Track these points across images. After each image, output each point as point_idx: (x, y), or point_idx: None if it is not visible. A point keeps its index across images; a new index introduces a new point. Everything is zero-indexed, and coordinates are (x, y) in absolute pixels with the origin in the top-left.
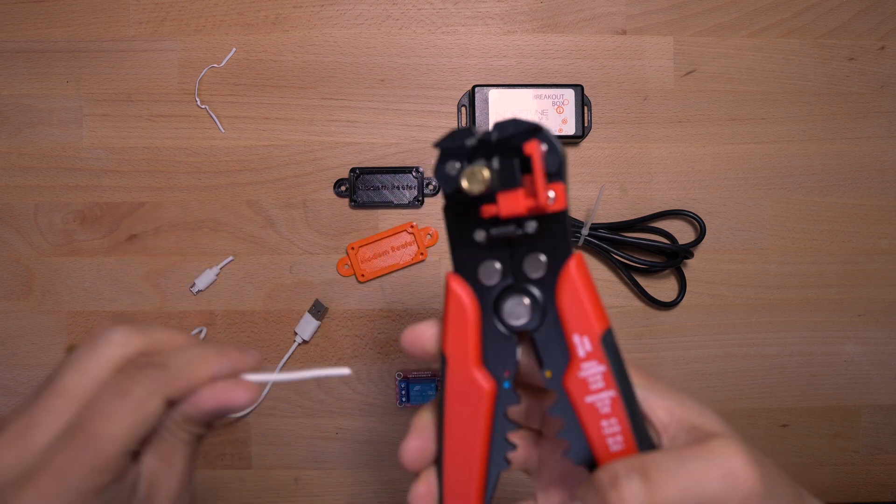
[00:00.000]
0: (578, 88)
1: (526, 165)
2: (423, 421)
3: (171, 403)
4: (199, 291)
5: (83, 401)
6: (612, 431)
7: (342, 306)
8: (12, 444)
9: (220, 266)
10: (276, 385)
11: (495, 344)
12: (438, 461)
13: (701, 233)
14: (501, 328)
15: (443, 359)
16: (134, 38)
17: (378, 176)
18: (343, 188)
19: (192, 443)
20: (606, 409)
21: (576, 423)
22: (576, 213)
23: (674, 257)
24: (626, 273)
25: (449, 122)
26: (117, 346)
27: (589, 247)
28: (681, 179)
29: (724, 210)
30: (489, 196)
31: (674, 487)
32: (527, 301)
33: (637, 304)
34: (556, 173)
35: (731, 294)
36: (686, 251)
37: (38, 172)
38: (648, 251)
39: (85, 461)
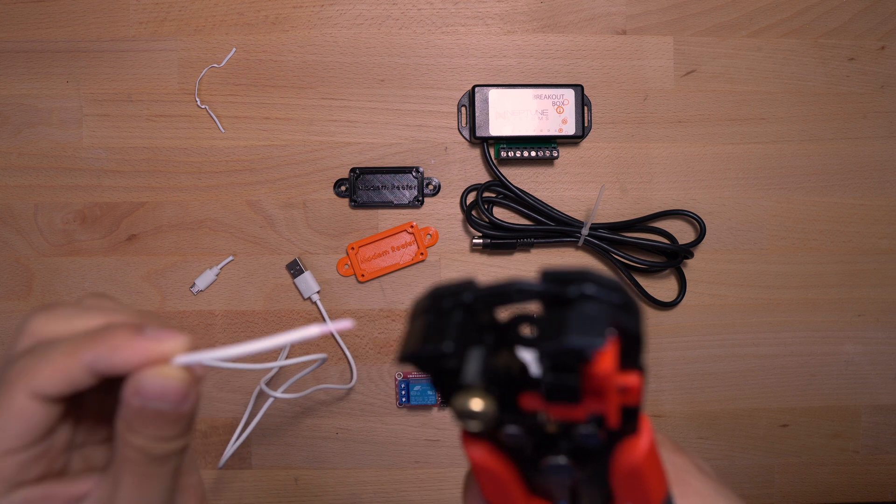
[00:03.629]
0: (578, 88)
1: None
2: None
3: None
4: (199, 291)
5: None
6: None
7: (342, 306)
8: None
9: (220, 266)
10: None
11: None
12: None
13: (701, 233)
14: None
15: None
16: (134, 38)
17: (378, 176)
18: (343, 188)
19: (141, 465)
20: None
21: None
22: (576, 213)
23: (674, 257)
24: (626, 273)
25: (449, 122)
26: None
27: (589, 247)
28: (681, 179)
29: (724, 210)
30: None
31: None
32: (565, 463)
33: None
34: (630, 359)
35: (731, 294)
36: (686, 251)
37: (38, 172)
38: (648, 251)
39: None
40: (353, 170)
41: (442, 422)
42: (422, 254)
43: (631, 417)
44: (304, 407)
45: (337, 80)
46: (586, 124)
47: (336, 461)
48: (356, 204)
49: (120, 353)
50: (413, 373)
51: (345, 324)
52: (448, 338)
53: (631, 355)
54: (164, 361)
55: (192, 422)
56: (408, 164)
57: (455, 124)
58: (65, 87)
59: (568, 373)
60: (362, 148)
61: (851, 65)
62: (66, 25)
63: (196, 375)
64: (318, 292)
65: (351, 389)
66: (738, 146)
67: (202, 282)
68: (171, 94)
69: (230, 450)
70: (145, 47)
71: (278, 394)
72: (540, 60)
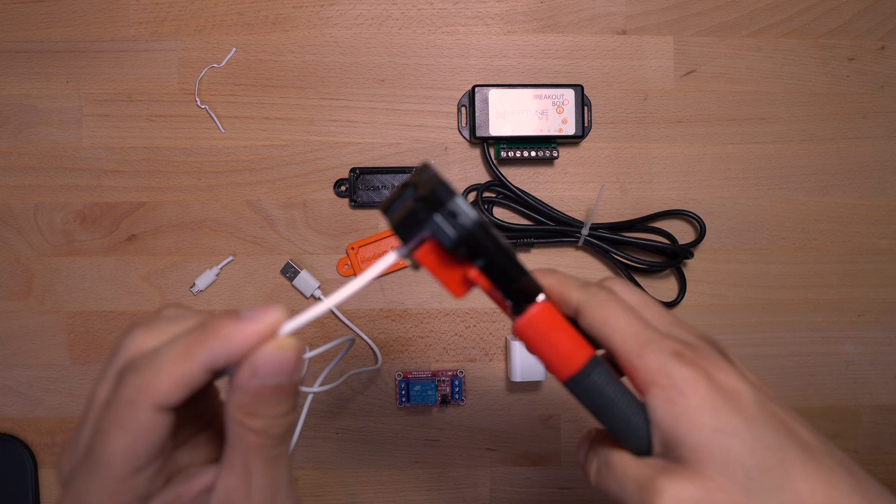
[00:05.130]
0: (578, 88)
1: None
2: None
3: (214, 373)
4: (199, 291)
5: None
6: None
7: (342, 306)
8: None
9: (220, 266)
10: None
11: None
12: None
13: (701, 233)
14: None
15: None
16: (134, 38)
17: (378, 176)
18: (343, 188)
19: (266, 448)
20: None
21: None
22: (576, 213)
23: (674, 257)
24: (627, 273)
25: (449, 122)
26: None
27: (589, 247)
28: (681, 179)
29: (725, 210)
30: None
31: None
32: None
33: None
34: (469, 255)
35: (731, 294)
36: (686, 251)
37: (38, 172)
38: (648, 251)
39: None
40: (353, 170)
41: (442, 422)
42: None
43: (517, 298)
44: (305, 407)
45: (337, 80)
46: (586, 124)
47: (336, 461)
48: (356, 204)
49: (233, 341)
50: (413, 373)
51: (414, 243)
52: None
53: (471, 255)
54: (271, 337)
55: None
56: (408, 164)
57: (455, 124)
58: (65, 87)
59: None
60: (362, 148)
61: (851, 65)
62: (66, 25)
63: (301, 347)
64: (318, 287)
65: (378, 370)
66: (738, 146)
67: (202, 282)
68: (171, 94)
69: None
70: (145, 47)
71: (316, 388)
72: (540, 60)
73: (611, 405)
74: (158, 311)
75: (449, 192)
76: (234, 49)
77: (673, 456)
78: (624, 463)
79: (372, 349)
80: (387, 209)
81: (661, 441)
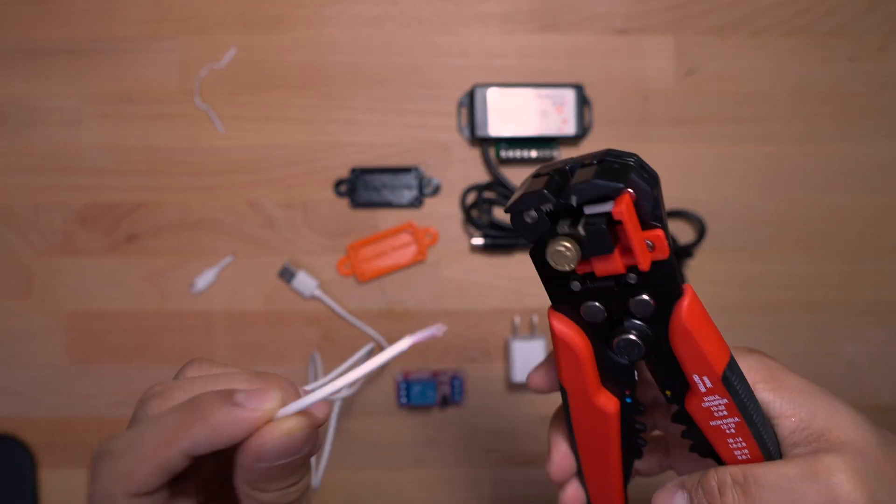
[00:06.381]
0: (578, 88)
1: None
2: (556, 437)
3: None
4: (198, 291)
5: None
6: (737, 447)
7: (342, 306)
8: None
9: (219, 266)
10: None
11: (612, 367)
12: (580, 474)
13: (701, 233)
14: (615, 357)
15: (562, 390)
16: (134, 38)
17: (378, 176)
18: (343, 188)
19: None
20: (731, 431)
21: (701, 436)
22: None
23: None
24: None
25: (449, 122)
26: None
27: None
28: (681, 179)
29: (725, 210)
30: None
31: None
32: (638, 340)
33: None
34: (653, 216)
35: (732, 294)
36: (686, 251)
37: (38, 172)
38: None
39: None
40: (353, 170)
41: (442, 422)
42: (421, 254)
43: (670, 280)
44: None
45: (337, 80)
46: (586, 124)
47: (336, 461)
48: (356, 204)
49: (221, 431)
50: (413, 373)
51: (433, 330)
52: (548, 199)
53: (652, 214)
54: (267, 421)
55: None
56: (408, 164)
57: (455, 124)
58: (65, 87)
59: (597, 224)
60: (362, 148)
61: (852, 65)
62: (66, 25)
63: (314, 417)
64: (318, 287)
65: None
66: (738, 146)
67: (202, 282)
68: (171, 94)
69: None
70: (145, 47)
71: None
72: (540, 60)
73: (754, 399)
74: (180, 371)
75: (627, 152)
76: (234, 49)
77: (808, 439)
78: (775, 469)
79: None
80: (543, 187)
81: (791, 430)
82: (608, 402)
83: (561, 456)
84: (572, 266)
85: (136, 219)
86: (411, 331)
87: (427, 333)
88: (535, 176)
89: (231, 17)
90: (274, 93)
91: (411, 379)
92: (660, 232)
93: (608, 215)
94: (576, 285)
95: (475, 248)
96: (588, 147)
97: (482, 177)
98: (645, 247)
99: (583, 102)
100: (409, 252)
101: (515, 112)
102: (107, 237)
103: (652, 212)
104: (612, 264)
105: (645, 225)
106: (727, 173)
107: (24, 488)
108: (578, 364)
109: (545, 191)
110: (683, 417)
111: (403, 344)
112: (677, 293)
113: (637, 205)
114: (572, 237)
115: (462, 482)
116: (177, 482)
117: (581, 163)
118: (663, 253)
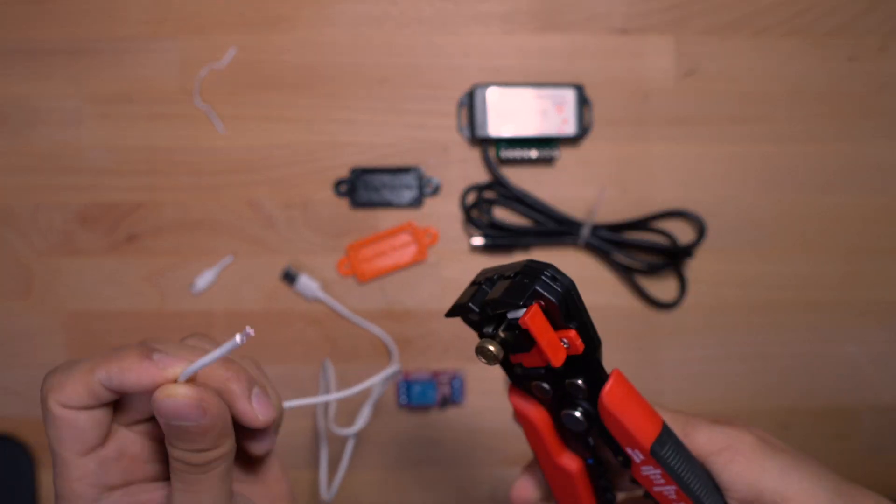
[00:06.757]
0: (578, 88)
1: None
2: (525, 474)
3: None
4: (198, 292)
5: None
6: None
7: (351, 307)
8: None
9: (219, 266)
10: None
11: (571, 434)
12: None
13: (701, 233)
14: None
15: (534, 454)
16: (134, 38)
17: (378, 176)
18: (343, 188)
19: (185, 473)
20: (673, 497)
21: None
22: (576, 213)
23: (674, 257)
24: (627, 273)
25: (449, 122)
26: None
27: (589, 247)
28: (681, 179)
29: (725, 210)
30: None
31: None
32: (579, 415)
33: (637, 304)
34: (566, 317)
35: (732, 294)
36: (686, 251)
37: (38, 172)
38: (649, 251)
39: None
40: (352, 170)
41: (442, 422)
42: (421, 254)
43: (594, 368)
44: (304, 407)
45: (337, 80)
46: (586, 124)
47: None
48: (356, 204)
49: (127, 374)
50: (413, 373)
51: (239, 338)
52: (473, 311)
53: (566, 316)
54: (171, 382)
55: (225, 433)
56: (408, 164)
57: (455, 124)
58: (65, 87)
59: (511, 330)
60: (362, 148)
61: (852, 65)
62: (66, 25)
63: (206, 399)
64: (321, 289)
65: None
66: (738, 146)
67: (202, 282)
68: (171, 94)
69: (336, 483)
70: (145, 47)
71: (359, 427)
72: (540, 60)
73: (693, 467)
74: (184, 338)
75: (544, 263)
76: (234, 49)
77: None
78: None
79: (389, 352)
80: (468, 301)
81: (739, 499)
82: (571, 463)
83: (521, 486)
84: (496, 362)
85: (136, 219)
86: (411, 330)
87: (234, 342)
88: (472, 284)
89: (231, 17)
90: (274, 93)
91: (411, 379)
92: (572, 332)
93: (515, 321)
94: (518, 369)
95: (475, 248)
96: (588, 146)
97: (482, 177)
98: (554, 347)
99: (583, 102)
100: (409, 252)
101: (515, 112)
102: (107, 237)
103: (566, 314)
104: (533, 359)
105: (558, 326)
106: (727, 173)
107: (23, 488)
108: (537, 432)
109: (470, 304)
110: (636, 481)
111: (227, 346)
112: (604, 377)
113: (548, 311)
114: (494, 338)
115: (462, 482)
116: (122, 416)
117: (503, 274)
118: (577, 350)
